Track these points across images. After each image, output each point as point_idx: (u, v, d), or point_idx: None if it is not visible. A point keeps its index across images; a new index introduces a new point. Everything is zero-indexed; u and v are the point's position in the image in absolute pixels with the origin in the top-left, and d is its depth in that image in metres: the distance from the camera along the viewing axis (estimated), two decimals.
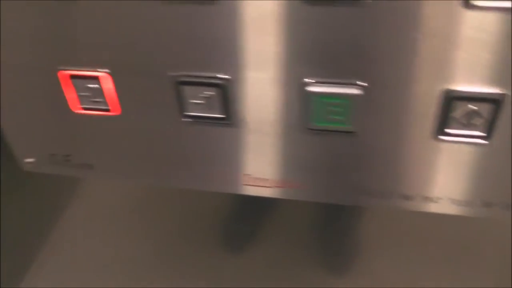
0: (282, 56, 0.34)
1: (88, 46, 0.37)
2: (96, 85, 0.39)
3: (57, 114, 0.42)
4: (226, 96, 0.37)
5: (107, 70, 0.38)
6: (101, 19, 0.36)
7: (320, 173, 0.40)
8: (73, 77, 0.39)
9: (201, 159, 0.41)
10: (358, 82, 0.34)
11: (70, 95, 0.40)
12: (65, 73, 0.39)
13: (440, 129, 0.35)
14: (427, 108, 0.34)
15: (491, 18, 0.30)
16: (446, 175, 0.38)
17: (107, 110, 0.40)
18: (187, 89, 0.37)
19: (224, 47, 0.35)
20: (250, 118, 0.38)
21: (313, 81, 0.35)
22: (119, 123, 0.41)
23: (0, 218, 0.68)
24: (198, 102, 0.38)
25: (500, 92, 0.33)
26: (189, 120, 0.39)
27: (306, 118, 0.37)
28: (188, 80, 0.37)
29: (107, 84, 0.38)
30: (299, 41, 0.33)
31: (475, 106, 0.34)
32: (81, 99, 0.40)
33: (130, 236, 0.76)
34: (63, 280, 0.77)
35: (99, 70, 0.38)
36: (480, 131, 0.35)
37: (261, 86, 0.36)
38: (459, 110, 0.34)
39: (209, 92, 0.37)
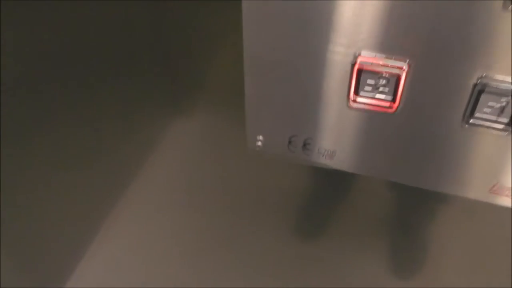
0: None
1: (393, 34, 0.38)
2: (388, 76, 0.40)
3: (320, 98, 0.43)
4: None
5: (406, 63, 0.39)
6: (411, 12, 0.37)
7: None
8: (365, 64, 0.40)
9: (457, 163, 0.43)
10: None
11: (350, 82, 0.41)
12: (359, 59, 0.40)
13: None
14: None
15: None
16: None
17: (390, 103, 0.41)
18: (485, 96, 0.38)
19: None
20: None
21: None
22: (392, 117, 0.41)
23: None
24: (489, 110, 0.39)
25: None
26: (472, 126, 0.40)
27: None
28: (489, 88, 0.38)
29: (402, 76, 0.39)
30: None
31: None
32: (363, 88, 0.41)
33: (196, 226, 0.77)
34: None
35: (399, 60, 0.39)
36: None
37: None
38: None
39: (504, 101, 0.38)
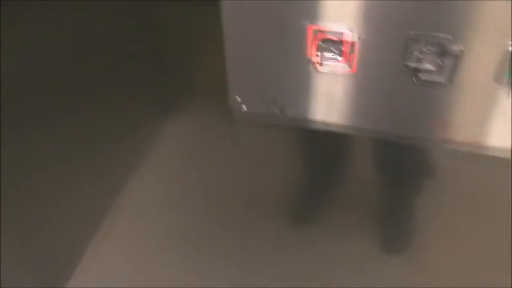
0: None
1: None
2: (342, 42, 0.46)
3: (291, 64, 0.50)
4: (457, 65, 0.45)
5: (350, 28, 0.46)
6: None
7: None
8: (317, 31, 0.47)
9: (408, 109, 0.50)
10: None
11: (312, 50, 0.48)
12: (312, 28, 0.46)
13: None
14: None
15: None
16: None
17: (348, 64, 0.47)
18: (420, 51, 0.45)
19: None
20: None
21: None
22: (353, 76, 0.48)
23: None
24: (426, 62, 0.46)
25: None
26: (412, 76, 0.47)
27: None
28: (422, 44, 0.44)
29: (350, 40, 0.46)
30: None
31: None
32: (324, 53, 0.48)
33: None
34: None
35: (344, 27, 0.46)
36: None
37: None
38: None
39: (443, 59, 0.45)
